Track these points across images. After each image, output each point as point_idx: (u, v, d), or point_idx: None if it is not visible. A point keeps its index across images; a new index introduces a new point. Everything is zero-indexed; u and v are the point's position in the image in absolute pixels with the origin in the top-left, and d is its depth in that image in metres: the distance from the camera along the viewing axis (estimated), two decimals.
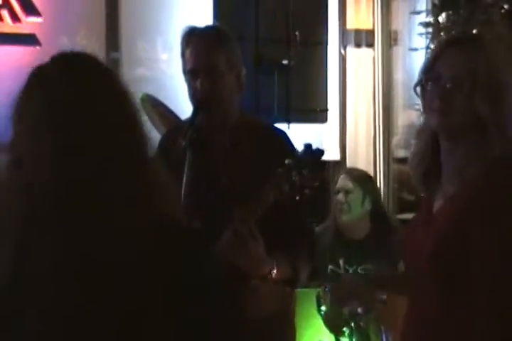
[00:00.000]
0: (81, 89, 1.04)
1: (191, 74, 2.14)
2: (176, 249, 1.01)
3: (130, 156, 1.07)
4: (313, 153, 1.93)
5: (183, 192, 2.23)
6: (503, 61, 1.49)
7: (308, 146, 1.92)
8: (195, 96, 2.15)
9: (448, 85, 1.38)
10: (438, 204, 1.60)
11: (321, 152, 2.05)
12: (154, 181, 1.07)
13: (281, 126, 3.03)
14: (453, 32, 3.74)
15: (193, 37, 2.15)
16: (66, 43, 3.44)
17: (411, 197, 4.00)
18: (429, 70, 1.45)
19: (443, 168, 1.55)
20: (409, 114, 4.33)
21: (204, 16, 3.61)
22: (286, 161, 1.92)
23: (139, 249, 0.98)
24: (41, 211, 1.00)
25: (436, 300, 1.55)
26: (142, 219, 0.98)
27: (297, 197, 2.03)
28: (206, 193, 2.20)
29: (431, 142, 1.51)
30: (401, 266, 2.40)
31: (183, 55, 2.14)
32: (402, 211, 4.11)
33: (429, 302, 1.57)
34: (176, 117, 3.23)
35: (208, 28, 2.31)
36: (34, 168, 1.02)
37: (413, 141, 1.65)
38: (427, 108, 1.47)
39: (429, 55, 1.44)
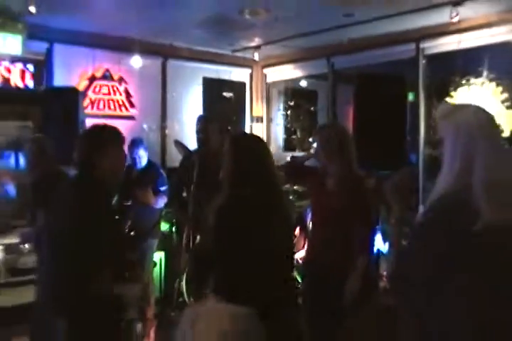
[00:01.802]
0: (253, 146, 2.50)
1: (198, 132, 4.33)
2: None
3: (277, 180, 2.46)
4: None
5: (193, 185, 4.21)
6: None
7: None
8: (199, 141, 4.30)
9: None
10: (330, 183, 3.01)
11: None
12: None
13: None
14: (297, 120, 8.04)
15: (200, 120, 4.45)
16: (143, 119, 6.56)
17: None
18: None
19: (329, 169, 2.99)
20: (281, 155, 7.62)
21: (198, 109, 6.97)
22: None
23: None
24: None
25: (333, 230, 2.93)
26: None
27: None
28: (206, 186, 3.86)
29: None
30: None
31: (196, 125, 4.39)
32: None
33: (330, 230, 2.96)
34: (188, 149, 4.84)
35: (205, 115, 4.88)
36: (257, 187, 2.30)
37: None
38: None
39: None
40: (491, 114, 1.75)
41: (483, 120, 1.66)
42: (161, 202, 5.00)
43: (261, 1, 5.25)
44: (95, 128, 2.71)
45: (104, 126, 2.71)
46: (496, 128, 1.72)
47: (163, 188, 5.06)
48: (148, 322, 4.73)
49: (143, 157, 5.24)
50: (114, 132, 2.70)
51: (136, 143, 5.25)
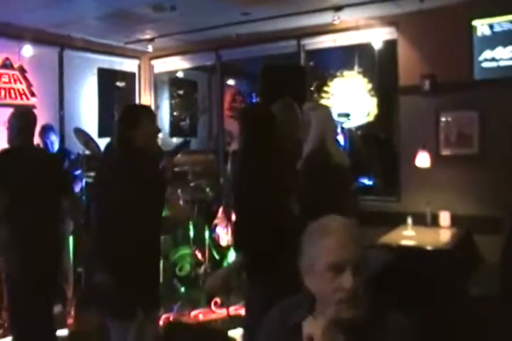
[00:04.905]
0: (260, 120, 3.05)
1: None
2: None
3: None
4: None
5: None
6: None
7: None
8: None
9: None
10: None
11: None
12: None
13: None
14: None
15: None
16: (46, 105, 6.65)
17: None
18: None
19: None
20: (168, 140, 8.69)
21: (94, 98, 7.61)
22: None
23: None
24: None
25: None
26: None
27: None
28: None
29: None
30: None
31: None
32: None
33: None
34: (89, 135, 5.35)
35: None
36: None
37: None
38: None
39: None
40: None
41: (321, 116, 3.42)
42: (77, 187, 5.19)
43: None
44: (128, 106, 3.10)
45: (136, 105, 3.15)
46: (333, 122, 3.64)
47: (77, 172, 5.28)
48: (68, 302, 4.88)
49: (55, 142, 5.56)
50: (145, 109, 3.10)
51: (46, 129, 5.52)
